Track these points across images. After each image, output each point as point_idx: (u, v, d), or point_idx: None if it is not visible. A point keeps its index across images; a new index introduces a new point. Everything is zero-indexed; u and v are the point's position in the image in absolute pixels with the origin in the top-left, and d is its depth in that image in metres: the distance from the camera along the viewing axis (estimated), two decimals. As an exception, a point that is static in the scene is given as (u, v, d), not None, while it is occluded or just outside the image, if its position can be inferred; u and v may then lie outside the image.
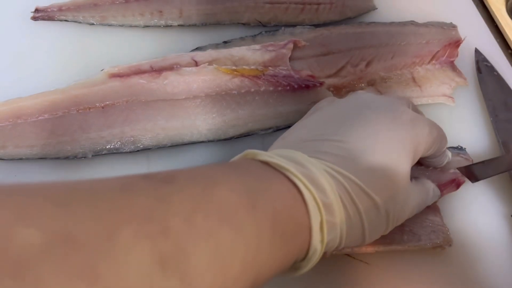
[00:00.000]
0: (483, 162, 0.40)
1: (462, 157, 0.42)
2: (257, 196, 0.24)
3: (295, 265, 0.27)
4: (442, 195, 0.39)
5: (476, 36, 0.52)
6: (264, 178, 0.26)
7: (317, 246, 0.26)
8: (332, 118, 0.33)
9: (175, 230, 0.20)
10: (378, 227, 0.30)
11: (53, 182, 0.20)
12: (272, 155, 0.28)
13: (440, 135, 0.36)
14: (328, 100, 0.38)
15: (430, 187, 0.37)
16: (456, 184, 0.40)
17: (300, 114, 0.43)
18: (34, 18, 0.48)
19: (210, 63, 0.44)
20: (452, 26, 0.51)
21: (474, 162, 0.42)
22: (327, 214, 0.26)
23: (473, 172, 0.39)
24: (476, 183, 0.42)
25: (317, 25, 0.50)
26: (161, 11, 0.49)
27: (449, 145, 0.43)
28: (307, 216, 0.26)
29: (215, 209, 0.22)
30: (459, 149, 0.43)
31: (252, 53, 0.45)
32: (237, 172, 0.26)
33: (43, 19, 0.48)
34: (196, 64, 0.44)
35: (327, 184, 0.27)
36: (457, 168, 0.40)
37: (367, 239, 0.30)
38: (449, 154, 0.39)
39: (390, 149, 0.31)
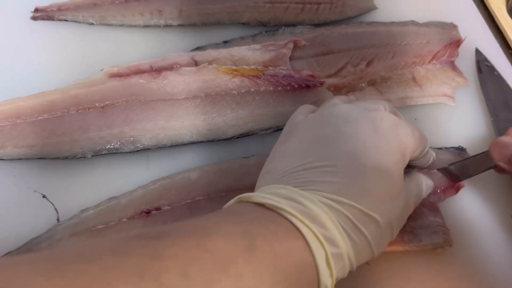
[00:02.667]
0: (463, 161, 0.39)
1: (462, 157, 0.42)
2: (254, 240, 0.24)
3: None
4: (443, 199, 0.39)
5: (476, 36, 0.52)
6: (260, 220, 0.26)
7: (327, 282, 0.26)
8: (312, 141, 0.32)
9: (170, 287, 0.20)
10: (385, 240, 0.30)
11: (41, 254, 0.20)
12: (264, 195, 0.27)
13: (421, 135, 0.35)
14: (302, 111, 0.37)
15: (422, 180, 0.36)
16: (456, 188, 0.40)
17: (300, 114, 0.43)
18: (34, 18, 0.48)
19: (210, 63, 0.44)
20: (453, 26, 0.51)
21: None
22: (332, 247, 0.26)
23: (452, 172, 0.38)
24: (476, 184, 0.42)
25: (317, 25, 0.50)
26: (160, 11, 0.48)
27: (449, 145, 0.43)
28: (311, 254, 0.25)
29: (211, 258, 0.22)
30: (459, 149, 0.43)
31: (252, 53, 0.45)
32: (231, 218, 0.26)
33: (43, 19, 0.48)
34: (196, 64, 0.44)
35: (326, 217, 0.26)
36: (436, 169, 0.39)
37: (377, 254, 0.29)
38: (433, 153, 0.38)
39: (380, 161, 0.30)
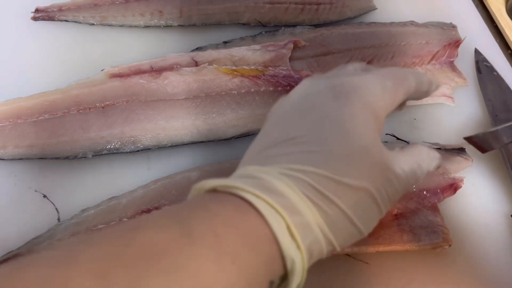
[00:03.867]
0: (492, 131, 0.36)
1: (462, 157, 0.42)
2: (191, 226, 0.21)
3: (282, 285, 0.24)
4: (442, 199, 0.39)
5: (476, 36, 0.52)
6: (202, 204, 0.24)
7: (294, 255, 0.23)
8: (281, 119, 0.30)
9: None
10: (368, 213, 0.27)
11: None
12: (217, 180, 0.25)
13: (397, 81, 0.31)
14: (279, 101, 0.35)
15: (422, 150, 0.32)
16: (454, 189, 0.40)
17: (300, 114, 0.43)
18: (35, 18, 0.48)
19: (210, 63, 0.44)
20: (452, 26, 0.51)
21: (473, 161, 0.42)
22: (293, 215, 0.23)
23: (479, 142, 0.36)
24: (475, 184, 0.42)
25: (317, 25, 0.50)
26: (161, 11, 0.49)
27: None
28: (267, 227, 0.23)
29: (137, 254, 0.19)
30: (459, 150, 0.43)
31: (252, 53, 0.45)
32: (168, 209, 0.24)
33: (43, 19, 0.48)
34: (196, 64, 0.44)
35: (284, 186, 0.24)
36: (463, 137, 0.37)
37: (363, 229, 0.26)
38: (436, 81, 0.34)
39: (343, 125, 0.27)
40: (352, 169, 0.26)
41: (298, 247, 0.23)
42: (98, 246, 0.20)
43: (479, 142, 0.37)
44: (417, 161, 0.31)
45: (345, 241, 0.26)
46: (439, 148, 0.42)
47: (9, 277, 0.18)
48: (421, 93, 0.33)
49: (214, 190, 0.25)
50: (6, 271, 0.19)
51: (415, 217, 0.38)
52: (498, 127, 0.36)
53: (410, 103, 0.47)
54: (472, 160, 0.42)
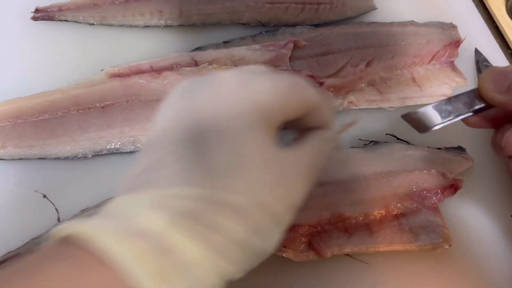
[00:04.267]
0: (432, 107, 0.34)
1: (462, 157, 0.42)
2: None
3: None
4: (442, 199, 0.39)
5: (476, 36, 0.52)
6: (35, 266, 0.19)
7: None
8: (159, 130, 0.25)
9: None
10: (267, 229, 0.23)
11: None
12: (71, 224, 0.21)
13: (292, 86, 0.26)
14: (161, 104, 0.28)
15: (320, 136, 0.28)
16: (454, 189, 0.40)
17: (300, 114, 0.43)
18: (34, 18, 0.48)
19: (210, 63, 0.44)
20: (452, 26, 0.51)
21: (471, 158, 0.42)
22: (163, 258, 0.20)
23: (417, 120, 0.33)
24: (475, 184, 0.42)
25: (317, 25, 0.50)
26: (161, 11, 0.48)
27: (449, 145, 0.43)
28: (127, 278, 0.19)
29: None
30: (459, 150, 0.43)
31: (252, 53, 0.45)
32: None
33: (43, 19, 0.48)
34: (196, 64, 0.44)
35: (153, 221, 0.20)
36: (402, 115, 0.35)
37: (265, 247, 0.23)
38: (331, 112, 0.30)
39: (223, 129, 0.23)
40: (239, 182, 0.22)
41: None
42: None
43: (417, 120, 0.34)
44: (316, 150, 0.27)
45: (248, 263, 0.23)
46: (439, 148, 0.42)
47: None
48: (321, 117, 0.29)
49: (67, 238, 0.20)
50: None
51: (415, 217, 0.38)
52: (437, 103, 0.34)
53: (410, 103, 0.47)
54: (473, 160, 0.42)
